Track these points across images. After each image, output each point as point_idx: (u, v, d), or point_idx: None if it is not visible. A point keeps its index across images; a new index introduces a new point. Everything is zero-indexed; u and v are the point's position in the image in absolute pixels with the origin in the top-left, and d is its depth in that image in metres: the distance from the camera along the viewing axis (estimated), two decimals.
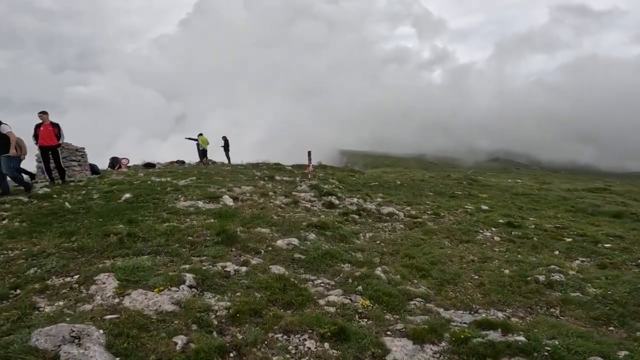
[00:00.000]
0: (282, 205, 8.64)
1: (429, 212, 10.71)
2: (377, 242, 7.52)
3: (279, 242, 5.91)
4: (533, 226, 9.98)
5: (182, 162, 21.55)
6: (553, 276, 5.84)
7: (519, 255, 7.27)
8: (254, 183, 11.37)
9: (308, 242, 6.21)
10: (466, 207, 12.04)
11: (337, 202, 9.70)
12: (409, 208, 10.97)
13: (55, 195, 8.07)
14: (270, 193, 9.52)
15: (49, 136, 10.01)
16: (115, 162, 17.00)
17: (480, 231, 9.05)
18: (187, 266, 4.57)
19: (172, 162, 21.02)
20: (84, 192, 8.55)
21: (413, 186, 16.14)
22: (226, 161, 24.11)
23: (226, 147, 24.67)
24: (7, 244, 5.17)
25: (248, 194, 9.22)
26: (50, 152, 10.07)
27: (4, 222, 6.17)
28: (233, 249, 5.49)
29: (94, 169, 13.13)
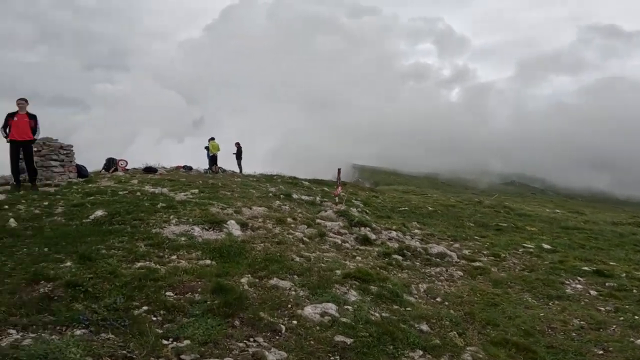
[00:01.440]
0: (304, 238, 6.50)
1: (485, 252, 8.59)
2: (438, 299, 5.40)
3: (308, 311, 3.77)
4: (624, 274, 7.85)
5: (189, 168, 19.60)
6: None
7: (636, 317, 5.37)
8: (268, 202, 9.28)
9: (349, 308, 4.07)
10: (525, 245, 9.81)
11: (372, 236, 7.54)
12: (457, 245, 8.81)
13: (6, 206, 6.05)
14: (289, 219, 7.39)
15: (23, 129, 8.06)
16: (111, 164, 15.04)
17: (566, 282, 6.97)
18: None
19: (177, 168, 19.07)
20: (47, 203, 6.52)
21: (447, 214, 13.88)
22: (237, 170, 22.16)
23: (238, 154, 22.70)
24: None
25: (260, 219, 7.11)
26: (21, 149, 8.12)
27: None
28: (236, 323, 3.36)
29: (81, 171, 11.19)
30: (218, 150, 21.29)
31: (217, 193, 9.63)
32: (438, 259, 7.26)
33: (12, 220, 5.17)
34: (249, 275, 4.50)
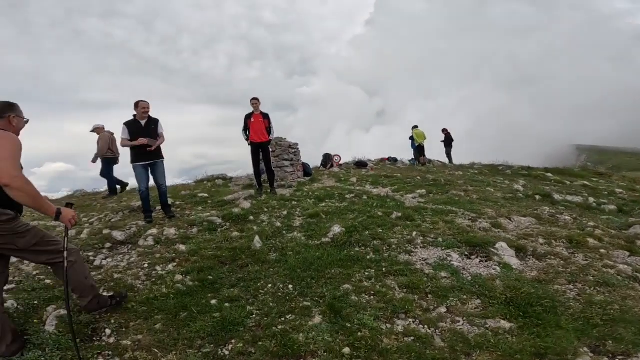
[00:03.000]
0: None
1: None
2: None
3: None
4: None
5: (395, 160, 18.65)
6: None
7: None
8: (525, 206, 6.73)
9: None
10: None
11: None
12: None
13: (251, 217, 6.03)
14: (590, 240, 4.71)
15: (260, 130, 7.74)
16: (327, 160, 15.56)
17: None
18: None
19: (382, 160, 18.42)
20: (285, 212, 6.26)
21: None
22: (445, 160, 19.69)
23: (447, 142, 20.07)
24: (129, 334, 2.86)
25: (542, 240, 4.75)
26: (260, 151, 7.95)
27: (168, 267, 4.20)
28: None
29: (306, 170, 11.58)
30: (424, 139, 19.29)
31: (448, 193, 7.78)
32: None
33: (257, 239, 4.83)
34: (592, 355, 2.44)
